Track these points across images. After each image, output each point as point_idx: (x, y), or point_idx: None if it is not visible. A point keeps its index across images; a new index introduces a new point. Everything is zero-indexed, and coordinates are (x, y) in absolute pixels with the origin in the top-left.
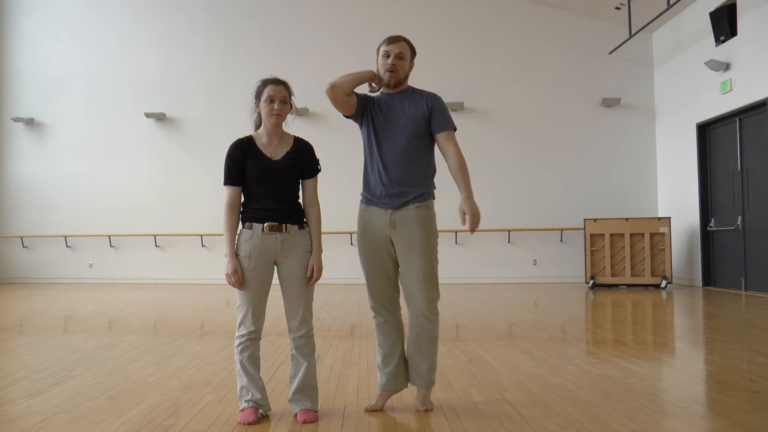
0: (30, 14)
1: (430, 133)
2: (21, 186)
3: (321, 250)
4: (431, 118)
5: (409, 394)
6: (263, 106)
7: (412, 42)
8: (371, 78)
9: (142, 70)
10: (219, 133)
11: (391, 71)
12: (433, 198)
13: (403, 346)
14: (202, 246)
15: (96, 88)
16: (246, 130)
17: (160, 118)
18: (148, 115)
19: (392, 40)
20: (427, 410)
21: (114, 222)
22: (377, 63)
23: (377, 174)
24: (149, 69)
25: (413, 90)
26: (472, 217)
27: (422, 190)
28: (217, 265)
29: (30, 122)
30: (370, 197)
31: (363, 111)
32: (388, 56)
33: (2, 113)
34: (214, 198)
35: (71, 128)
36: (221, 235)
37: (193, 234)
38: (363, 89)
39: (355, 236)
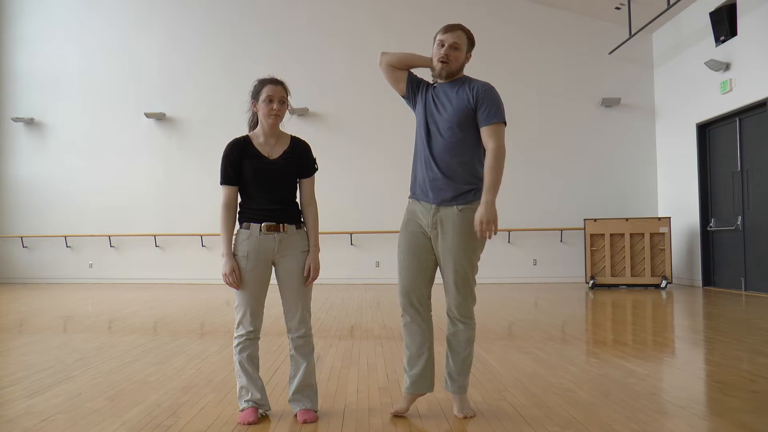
0: (30, 14)
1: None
2: (21, 186)
3: (318, 249)
4: (477, 110)
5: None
6: (262, 106)
7: (411, 43)
8: (428, 65)
9: (142, 70)
10: (219, 133)
11: (443, 62)
12: (478, 197)
13: (430, 349)
14: (202, 246)
15: (96, 88)
16: (244, 129)
17: (160, 118)
18: (148, 115)
19: (448, 28)
20: (465, 417)
21: (114, 222)
22: (432, 52)
23: (424, 166)
24: (149, 69)
25: (465, 79)
26: (480, 224)
27: (468, 188)
28: (216, 265)
29: (30, 122)
30: (416, 191)
31: (415, 94)
32: (442, 46)
33: (2, 113)
34: (214, 198)
35: (71, 128)
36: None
37: (193, 234)
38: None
39: (355, 236)
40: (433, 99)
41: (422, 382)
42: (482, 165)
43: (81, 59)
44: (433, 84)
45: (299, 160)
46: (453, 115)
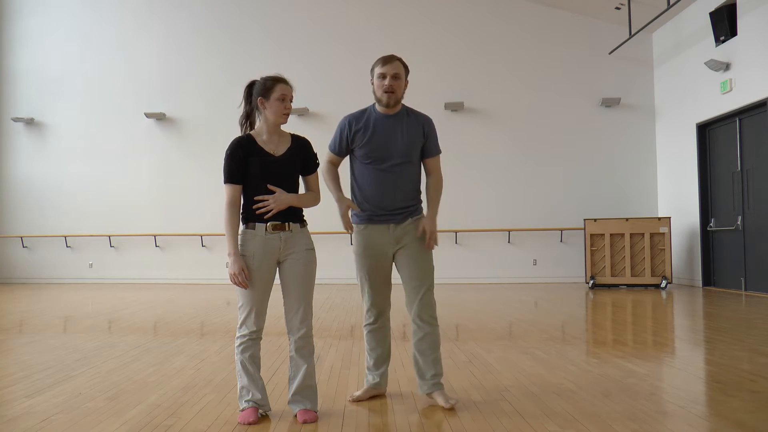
0: (30, 14)
1: (421, 154)
2: (21, 186)
3: (291, 199)
4: (425, 143)
5: (410, 394)
6: (273, 105)
7: (411, 43)
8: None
9: (142, 70)
10: (219, 133)
11: (389, 92)
12: (423, 210)
13: (390, 349)
14: (202, 246)
15: (96, 88)
16: (239, 128)
17: (160, 118)
18: (148, 115)
19: (386, 60)
20: (452, 407)
21: (114, 222)
22: (372, 84)
23: (376, 192)
24: (149, 69)
25: (407, 112)
26: (431, 234)
27: (417, 204)
28: (217, 265)
29: (30, 122)
30: (370, 215)
31: (350, 149)
32: (384, 77)
33: (2, 113)
34: (214, 198)
35: (71, 128)
36: (221, 235)
37: (193, 234)
38: (352, 105)
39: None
40: (375, 131)
41: (385, 380)
42: (420, 189)
43: (81, 59)
44: (357, 122)
45: (302, 157)
46: (407, 148)
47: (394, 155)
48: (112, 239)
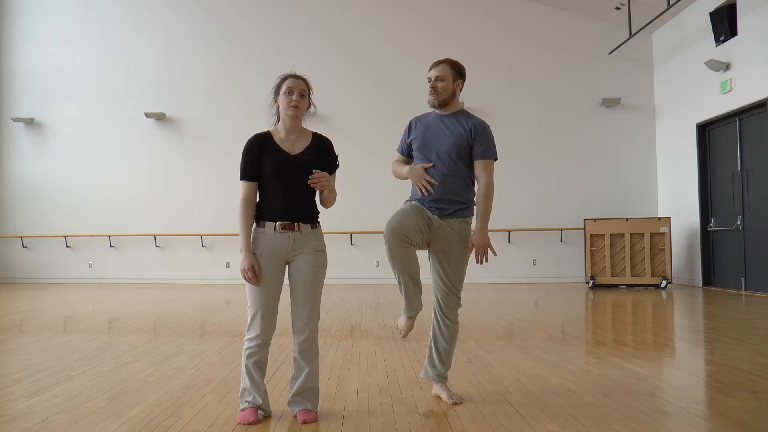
0: (30, 14)
1: (471, 156)
2: (21, 186)
3: (332, 187)
4: (473, 145)
5: (410, 394)
6: (282, 99)
7: (410, 44)
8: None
9: (141, 70)
10: (219, 133)
11: (433, 93)
12: (473, 214)
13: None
14: (202, 246)
15: (96, 88)
16: (244, 129)
17: (160, 118)
18: (148, 115)
19: (433, 65)
20: (455, 403)
21: (114, 222)
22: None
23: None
24: (149, 69)
25: (464, 114)
26: (478, 249)
27: (461, 206)
28: (217, 265)
29: (30, 122)
30: (420, 200)
31: (410, 147)
32: (429, 81)
33: (2, 113)
34: (214, 198)
35: (71, 128)
36: (221, 235)
37: (193, 234)
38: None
39: (355, 236)
40: (427, 128)
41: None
42: (471, 191)
43: (81, 59)
44: (418, 121)
45: (322, 157)
46: (452, 146)
47: (437, 152)
48: (112, 239)
